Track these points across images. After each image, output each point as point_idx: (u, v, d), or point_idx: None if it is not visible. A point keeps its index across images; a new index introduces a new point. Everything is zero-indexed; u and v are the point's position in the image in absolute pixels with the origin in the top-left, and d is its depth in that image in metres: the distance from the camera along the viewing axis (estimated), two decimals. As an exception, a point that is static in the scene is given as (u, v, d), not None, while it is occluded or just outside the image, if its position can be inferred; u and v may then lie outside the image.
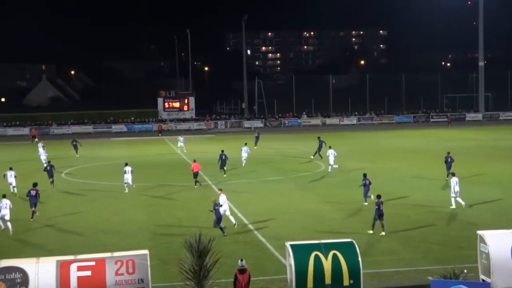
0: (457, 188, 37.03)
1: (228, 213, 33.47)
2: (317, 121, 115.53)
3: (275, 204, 40.03)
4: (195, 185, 47.09)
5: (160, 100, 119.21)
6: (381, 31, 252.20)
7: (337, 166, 52.95)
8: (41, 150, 61.76)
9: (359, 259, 21.52)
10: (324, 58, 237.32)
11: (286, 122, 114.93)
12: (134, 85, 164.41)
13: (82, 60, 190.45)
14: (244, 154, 57.28)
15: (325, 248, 21.65)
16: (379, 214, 31.51)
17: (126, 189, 45.71)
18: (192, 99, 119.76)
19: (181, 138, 72.83)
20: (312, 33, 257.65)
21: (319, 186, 45.51)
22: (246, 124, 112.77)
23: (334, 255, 21.48)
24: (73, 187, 48.94)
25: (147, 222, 35.67)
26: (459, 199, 37.04)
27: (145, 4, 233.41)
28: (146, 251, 21.65)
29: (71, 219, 36.94)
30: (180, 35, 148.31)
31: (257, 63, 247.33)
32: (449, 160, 48.70)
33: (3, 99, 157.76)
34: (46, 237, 32.94)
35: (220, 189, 34.68)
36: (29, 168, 58.35)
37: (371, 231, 31.61)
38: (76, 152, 69.98)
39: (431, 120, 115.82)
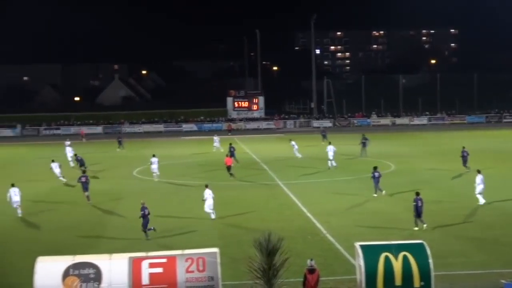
0: (481, 186, 36.86)
1: (210, 208, 35.72)
2: (386, 121, 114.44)
3: (344, 204, 39.84)
4: (230, 177, 50.09)
5: (229, 99, 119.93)
6: (452, 30, 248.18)
7: (335, 164, 54.47)
8: (67, 148, 62.69)
9: (430, 260, 21.28)
10: (393, 57, 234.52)
11: (355, 121, 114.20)
12: (204, 84, 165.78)
13: (154, 60, 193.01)
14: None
15: (395, 249, 21.48)
16: (417, 212, 31.67)
17: (155, 178, 50.03)
18: (261, 99, 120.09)
19: (216, 138, 72.79)
20: (381, 32, 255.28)
21: (388, 186, 45.03)
22: (315, 123, 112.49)
23: (405, 257, 21.31)
24: (144, 185, 49.67)
25: (217, 221, 35.93)
26: (479, 196, 37.10)
27: (214, 5, 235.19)
28: (216, 249, 21.83)
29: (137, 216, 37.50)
30: (249, 35, 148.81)
31: (326, 62, 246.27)
32: (465, 154, 50.42)
33: (77, 98, 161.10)
34: (119, 233, 33.56)
35: (206, 185, 36.94)
36: (104, 165, 59.47)
37: (417, 228, 31.69)
38: (119, 146, 74.00)
39: (504, 120, 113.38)
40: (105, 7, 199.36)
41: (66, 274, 20.92)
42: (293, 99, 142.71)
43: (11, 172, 58.40)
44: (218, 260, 21.34)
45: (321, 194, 43.39)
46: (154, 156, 52.24)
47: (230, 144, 60.61)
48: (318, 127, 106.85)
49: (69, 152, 61.21)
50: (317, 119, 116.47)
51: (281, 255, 20.87)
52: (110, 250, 25.11)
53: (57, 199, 44.31)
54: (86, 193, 41.98)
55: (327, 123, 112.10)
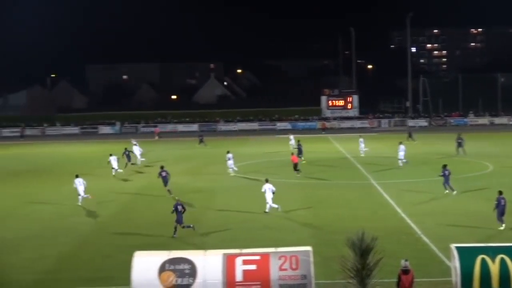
0: None
1: (269, 201, 37.09)
2: (484, 120, 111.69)
3: (440, 204, 39.17)
4: (298, 174, 51.52)
5: (323, 98, 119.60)
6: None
7: (405, 160, 55.70)
8: (135, 147, 63.53)
9: (529, 264, 20.72)
10: (492, 55, 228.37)
11: (452, 121, 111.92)
12: (298, 83, 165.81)
13: (249, 59, 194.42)
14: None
15: (493, 252, 21.02)
16: (500, 211, 31.25)
17: (231, 173, 52.76)
18: (355, 97, 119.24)
19: (291, 137, 72.76)
20: (479, 29, 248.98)
21: (486, 187, 43.99)
22: (410, 123, 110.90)
23: (502, 260, 20.83)
24: (239, 182, 50.16)
25: (310, 219, 35.97)
26: None
27: (309, 4, 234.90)
28: (309, 248, 21.87)
29: (235, 213, 37.91)
30: (344, 34, 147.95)
31: (422, 61, 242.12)
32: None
33: (174, 97, 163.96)
34: (213, 230, 34.00)
35: (267, 179, 38.59)
36: (197, 163, 60.44)
37: (501, 227, 31.41)
38: (200, 143, 77.31)
39: None
40: (201, 7, 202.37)
41: (162, 269, 21.35)
42: (388, 98, 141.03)
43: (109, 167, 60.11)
44: (311, 258, 21.36)
45: (415, 194, 42.74)
46: (228, 152, 54.36)
47: (298, 141, 62.87)
48: (413, 126, 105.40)
49: (137, 150, 62.67)
50: (413, 118, 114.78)
51: (375, 255, 20.72)
52: (204, 246, 25.53)
53: (155, 193, 45.31)
54: (167, 187, 44.04)
55: (423, 123, 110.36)
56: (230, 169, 53.72)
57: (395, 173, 52.16)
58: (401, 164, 55.87)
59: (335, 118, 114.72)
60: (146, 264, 21.57)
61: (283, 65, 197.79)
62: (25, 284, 25.63)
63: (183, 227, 32.52)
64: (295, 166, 52.51)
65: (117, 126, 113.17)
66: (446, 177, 41.75)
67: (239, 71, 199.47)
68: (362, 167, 56.30)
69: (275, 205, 37.35)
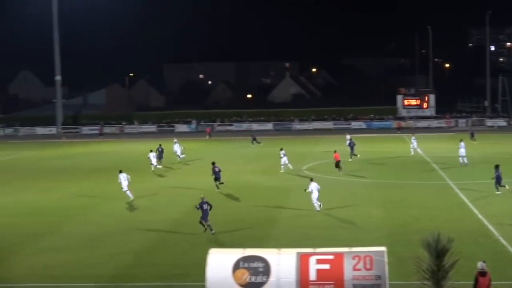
0: None
1: (314, 199, 37.64)
2: None
3: (518, 206, 38.34)
4: (340, 171, 53.03)
5: (399, 97, 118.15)
6: None
7: (467, 162, 55.37)
8: (175, 145, 64.43)
9: None
10: None
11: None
12: (373, 82, 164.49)
13: (324, 58, 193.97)
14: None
15: None
16: None
17: (282, 169, 54.05)
18: (432, 97, 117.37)
19: (348, 136, 72.23)
20: None
21: None
22: (489, 122, 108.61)
23: None
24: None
25: (384, 219, 35.72)
26: None
27: (386, 2, 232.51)
28: (383, 248, 21.72)
29: (310, 212, 37.93)
30: (420, 32, 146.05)
31: (501, 59, 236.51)
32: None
33: (249, 96, 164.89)
34: (287, 228, 34.15)
35: (311, 178, 39.33)
36: (270, 162, 60.63)
37: None
38: (253, 142, 78.48)
39: None
40: (277, 6, 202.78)
41: (236, 266, 21.52)
42: (465, 97, 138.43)
43: (187, 165, 60.93)
44: (386, 259, 21.21)
45: (493, 195, 41.90)
46: (282, 149, 55.69)
47: (351, 139, 63.68)
48: (492, 126, 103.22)
49: (177, 148, 63.85)
50: (491, 118, 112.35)
51: (451, 257, 20.43)
52: (278, 245, 25.64)
53: (226, 191, 45.74)
54: (216, 182, 45.85)
55: (502, 122, 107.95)
56: (282, 166, 54.62)
57: (471, 174, 51.22)
58: (461, 161, 55.70)
59: (411, 118, 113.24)
60: (220, 262, 21.78)
61: (358, 64, 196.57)
62: (103, 279, 26.24)
63: (208, 225, 32.88)
64: (337, 164, 53.56)
65: (193, 124, 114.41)
66: (498, 178, 41.80)
67: (314, 70, 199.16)
68: (438, 167, 55.53)
69: (317, 203, 37.93)
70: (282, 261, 21.49)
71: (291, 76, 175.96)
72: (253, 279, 21.28)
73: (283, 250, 22.41)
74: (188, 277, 25.82)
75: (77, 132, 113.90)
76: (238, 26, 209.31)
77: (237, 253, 21.99)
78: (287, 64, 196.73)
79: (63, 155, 75.57)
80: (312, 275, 21.14)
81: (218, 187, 45.72)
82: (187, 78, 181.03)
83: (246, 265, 21.45)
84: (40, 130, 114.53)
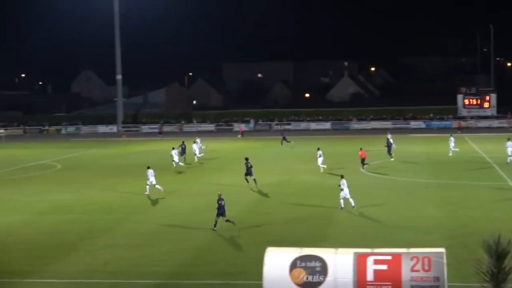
0: None
1: (348, 196, 38.13)
2: None
3: None
4: (363, 168, 54.44)
5: (459, 96, 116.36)
6: None
7: None
8: (194, 145, 65.08)
9: None
10: None
11: None
12: (433, 81, 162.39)
13: (383, 56, 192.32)
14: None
15: None
16: None
17: (322, 169, 54.05)
18: (493, 96, 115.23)
19: (389, 136, 71.35)
20: None
21: None
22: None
23: None
24: (371, 181, 49.87)
25: (443, 220, 35.31)
26: None
27: (447, 0, 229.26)
28: (442, 249, 21.48)
29: (368, 212, 37.74)
30: (482, 30, 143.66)
31: None
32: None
33: (307, 95, 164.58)
34: (344, 228, 34.06)
35: (342, 176, 39.42)
36: (329, 161, 60.44)
37: None
38: (282, 143, 77.51)
39: None
40: (335, 6, 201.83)
41: (293, 265, 21.55)
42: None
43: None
44: (444, 260, 20.98)
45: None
46: (319, 149, 55.72)
47: (387, 138, 63.08)
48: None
49: (196, 147, 64.73)
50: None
51: (511, 259, 20.11)
52: (335, 245, 25.59)
53: (286, 190, 45.84)
54: (247, 177, 47.25)
55: None
56: (321, 166, 54.78)
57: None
58: (509, 161, 55.12)
59: (471, 117, 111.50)
60: (278, 260, 21.85)
61: (418, 62, 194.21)
62: (161, 276, 26.59)
63: (226, 220, 34.03)
64: (362, 161, 54.90)
65: (251, 123, 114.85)
66: None
67: (373, 69, 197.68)
68: (499, 168, 54.59)
69: (342, 200, 38.36)
70: (339, 261, 21.45)
71: (349, 75, 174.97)
72: (310, 278, 21.30)
73: (340, 250, 22.35)
74: (245, 275, 25.98)
75: (137, 130, 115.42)
76: (297, 25, 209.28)
77: (294, 252, 22.03)
78: (345, 63, 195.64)
79: (123, 153, 76.71)
80: (370, 276, 21.06)
81: (247, 181, 47.34)
82: (246, 78, 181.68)
83: (303, 264, 21.47)
84: (101, 129, 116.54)
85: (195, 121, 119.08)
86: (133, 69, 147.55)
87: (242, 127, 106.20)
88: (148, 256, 29.58)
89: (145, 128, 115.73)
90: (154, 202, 43.16)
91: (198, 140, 67.43)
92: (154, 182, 44.90)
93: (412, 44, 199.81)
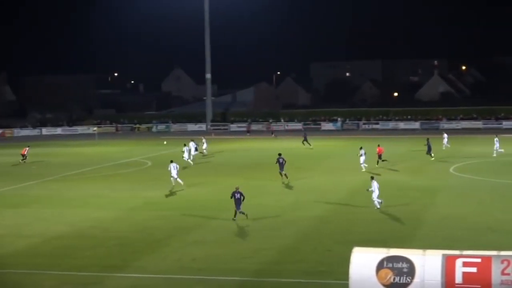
0: None
1: (375, 197, 38.26)
2: None
3: None
4: (377, 164, 56.32)
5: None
6: None
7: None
8: (192, 143, 65.74)
9: None
10: None
11: None
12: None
13: (474, 55, 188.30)
14: None
15: None
16: None
17: (363, 168, 54.14)
18: None
19: (445, 135, 70.07)
20: None
21: None
22: None
23: None
24: (461, 182, 49.03)
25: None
26: None
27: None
28: (533, 253, 21.02)
29: (458, 213, 37.11)
30: None
31: None
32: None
33: (396, 94, 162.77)
34: (433, 229, 33.61)
35: (372, 177, 39.73)
36: (418, 161, 59.66)
37: None
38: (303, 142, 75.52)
39: None
40: (424, 3, 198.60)
41: (380, 266, 21.45)
42: None
43: (331, 162, 61.20)
44: (537, 264, 20.52)
45: None
46: (361, 148, 56.03)
47: (428, 139, 63.43)
48: None
49: (192, 146, 65.63)
50: None
51: None
52: (423, 246, 25.32)
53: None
54: (283, 172, 49.44)
55: None
56: (362, 165, 54.94)
57: None
58: None
59: None
60: (364, 261, 21.80)
61: (511, 61, 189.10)
62: (247, 274, 26.86)
63: (240, 212, 36.01)
64: (379, 157, 56.74)
65: (339, 122, 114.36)
66: None
67: (463, 67, 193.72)
68: None
69: (378, 201, 38.57)
70: (427, 263, 21.24)
71: (439, 74, 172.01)
72: (397, 279, 21.17)
73: (428, 251, 22.11)
74: (331, 275, 26.01)
75: (226, 129, 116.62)
76: (386, 23, 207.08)
77: (381, 253, 21.93)
78: (435, 62, 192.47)
79: (212, 151, 77.59)
80: (458, 278, 20.78)
81: (281, 175, 49.60)
82: (334, 76, 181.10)
83: (390, 265, 21.36)
84: (190, 127, 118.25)
85: (282, 120, 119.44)
86: (222, 68, 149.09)
87: (274, 126, 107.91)
88: (235, 253, 29.94)
89: (233, 127, 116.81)
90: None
91: (204, 139, 70.75)
92: (175, 176, 47.42)
93: (506, 42, 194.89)
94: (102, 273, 27.40)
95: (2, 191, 49.64)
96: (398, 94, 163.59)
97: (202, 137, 73.64)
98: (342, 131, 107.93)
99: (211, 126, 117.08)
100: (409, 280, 21.08)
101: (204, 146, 70.73)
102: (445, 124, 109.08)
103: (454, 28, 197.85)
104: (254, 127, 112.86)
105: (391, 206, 39.89)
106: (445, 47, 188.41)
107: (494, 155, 63.39)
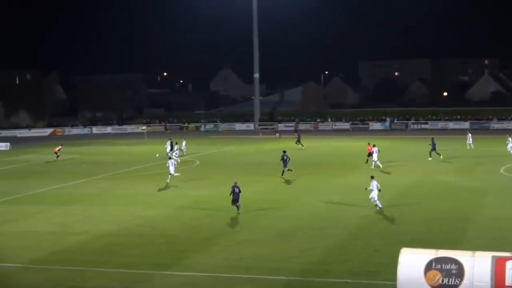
0: None
1: (375, 196, 38.33)
2: None
3: None
4: (366, 162, 58.73)
5: None
6: None
7: None
8: (168, 142, 69.11)
9: None
10: None
11: None
12: None
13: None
14: None
15: None
16: None
17: (373, 166, 55.53)
18: None
19: (469, 135, 68.37)
20: None
21: None
22: None
23: None
24: (510, 183, 48.32)
25: None
26: None
27: None
28: None
29: (507, 215, 36.59)
30: None
31: None
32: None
33: (445, 93, 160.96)
34: (483, 231, 33.18)
35: (372, 176, 39.67)
36: (463, 161, 58.86)
37: None
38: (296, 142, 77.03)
39: None
40: (476, 5, 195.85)
41: (428, 267, 21.29)
42: None
43: (385, 164, 60.83)
44: None
45: None
46: (374, 146, 57.66)
47: (432, 138, 63.85)
48: None
49: (169, 146, 68.22)
50: None
51: None
52: (473, 247, 25.03)
53: (424, 191, 45.19)
54: (287, 168, 52.17)
55: None
56: (373, 162, 56.50)
57: None
58: None
59: None
60: (412, 262, 21.65)
61: None
62: (294, 273, 26.86)
63: (237, 205, 38.45)
64: (369, 154, 58.61)
65: (387, 122, 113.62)
66: None
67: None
68: None
69: (379, 202, 38.46)
70: (476, 264, 21.02)
71: (490, 73, 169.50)
72: (445, 281, 21.00)
73: (478, 253, 21.86)
74: (379, 275, 25.86)
75: (273, 128, 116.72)
76: (435, 22, 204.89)
77: (430, 254, 21.76)
78: (486, 61, 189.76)
79: (259, 150, 77.83)
80: (508, 280, 20.54)
81: (283, 172, 52.28)
82: (382, 75, 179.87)
83: (438, 266, 21.19)
84: (238, 126, 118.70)
85: (329, 120, 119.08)
86: (270, 68, 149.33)
87: (278, 126, 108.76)
88: (283, 252, 29.96)
89: (280, 126, 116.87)
90: (292, 199, 43.56)
91: (184, 141, 72.73)
92: (172, 172, 50.06)
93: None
94: (150, 271, 27.68)
95: (52, 189, 50.51)
96: (447, 93, 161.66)
97: (183, 138, 75.59)
98: (390, 131, 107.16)
99: (259, 125, 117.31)
100: (458, 281, 20.88)
101: (183, 146, 71.97)
102: (495, 124, 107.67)
103: (506, 27, 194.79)
104: (301, 126, 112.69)
105: (439, 207, 39.53)
106: (496, 46, 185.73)
107: (511, 152, 64.23)
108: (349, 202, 41.70)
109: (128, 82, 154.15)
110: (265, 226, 35.60)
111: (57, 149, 69.26)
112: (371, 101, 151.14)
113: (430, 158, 61.83)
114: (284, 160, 52.70)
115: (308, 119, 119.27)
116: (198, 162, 66.47)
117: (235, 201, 38.52)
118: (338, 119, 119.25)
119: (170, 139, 70.65)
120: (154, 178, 55.14)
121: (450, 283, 20.93)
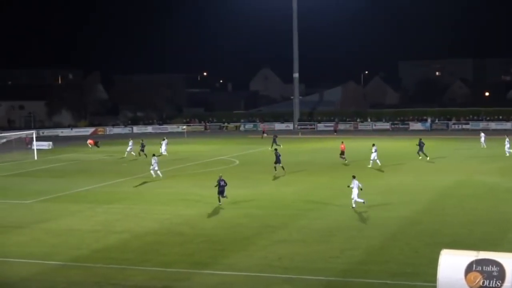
0: None
1: (355, 195, 39.34)
2: None
3: None
4: (341, 159, 61.71)
5: None
6: None
7: None
8: (163, 142, 73.62)
9: None
10: None
11: None
12: None
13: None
14: None
15: None
16: None
17: (371, 164, 56.90)
18: None
19: (482, 135, 67.08)
20: None
21: None
22: None
23: None
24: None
25: None
26: None
27: None
28: None
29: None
30: None
31: None
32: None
33: (487, 93, 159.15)
34: (525, 233, 32.84)
35: (354, 176, 40.24)
36: (506, 162, 58.16)
37: None
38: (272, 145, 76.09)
39: None
40: None
41: (469, 269, 21.09)
42: None
43: (419, 162, 60.37)
44: None
45: None
46: (374, 145, 59.14)
47: (420, 139, 64.64)
48: None
49: (164, 146, 72.37)
50: None
51: None
52: (515, 249, 24.79)
53: (464, 192, 44.81)
54: (280, 164, 54.76)
55: None
56: (371, 162, 57.96)
57: None
58: None
59: None
60: (453, 263, 21.48)
61: None
62: (333, 274, 26.82)
63: (223, 196, 41.26)
64: (342, 153, 61.91)
65: (428, 122, 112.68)
66: None
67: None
68: None
69: (360, 200, 39.42)
70: (518, 266, 20.76)
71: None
72: (486, 283, 20.79)
73: (521, 254, 21.63)
74: (418, 277, 25.73)
75: (313, 128, 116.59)
76: (476, 22, 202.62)
77: (470, 255, 21.56)
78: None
79: (298, 150, 77.80)
80: (552, 283, 20.24)
81: (275, 169, 54.93)
82: (423, 75, 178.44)
83: (479, 268, 20.99)
84: (278, 126, 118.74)
85: (369, 120, 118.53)
86: (310, 68, 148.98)
87: (265, 126, 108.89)
88: (321, 252, 29.95)
89: (320, 126, 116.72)
90: (330, 199, 43.50)
91: (165, 141, 74.60)
92: (156, 168, 53.63)
93: None
94: (190, 269, 27.87)
95: (94, 187, 51.13)
96: (489, 93, 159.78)
97: (164, 137, 78.14)
98: (431, 131, 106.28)
99: (298, 125, 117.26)
100: (499, 284, 20.66)
101: (164, 146, 73.41)
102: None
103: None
104: (341, 126, 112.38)
105: (481, 208, 39.15)
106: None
107: (507, 154, 64.36)
108: (389, 203, 41.49)
109: (168, 82, 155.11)
110: (303, 226, 35.61)
111: (92, 141, 75.65)
112: (411, 101, 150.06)
113: (420, 158, 62.49)
114: (277, 157, 55.60)
115: (347, 119, 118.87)
116: (237, 161, 66.69)
117: (221, 193, 41.37)
118: (378, 119, 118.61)
119: (165, 138, 75.72)
120: (194, 177, 55.48)
121: (491, 285, 20.71)
